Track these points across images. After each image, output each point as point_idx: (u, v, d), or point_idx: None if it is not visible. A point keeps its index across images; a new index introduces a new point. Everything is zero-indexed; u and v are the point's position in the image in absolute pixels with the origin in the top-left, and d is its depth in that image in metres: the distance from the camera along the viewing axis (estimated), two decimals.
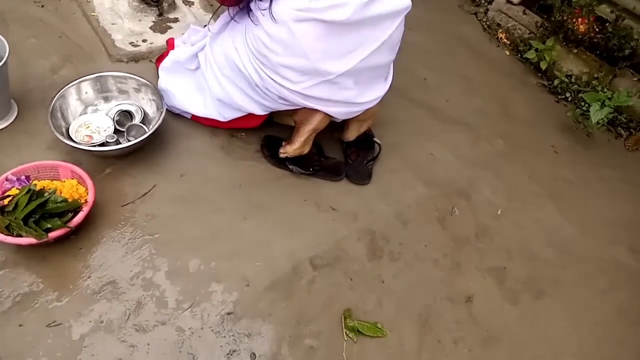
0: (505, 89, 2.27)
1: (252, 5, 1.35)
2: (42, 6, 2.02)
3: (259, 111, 1.53)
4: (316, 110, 1.48)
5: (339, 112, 1.49)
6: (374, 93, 1.51)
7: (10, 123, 1.59)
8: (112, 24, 1.96)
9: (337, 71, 1.35)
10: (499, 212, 1.73)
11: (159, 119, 1.52)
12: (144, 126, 1.57)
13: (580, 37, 2.26)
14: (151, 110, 1.65)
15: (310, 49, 1.30)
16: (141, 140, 1.47)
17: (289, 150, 1.57)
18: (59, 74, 1.78)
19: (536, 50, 2.29)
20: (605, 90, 2.15)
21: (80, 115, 1.59)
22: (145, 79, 1.64)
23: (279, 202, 1.57)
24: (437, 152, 1.86)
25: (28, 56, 1.79)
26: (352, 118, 1.62)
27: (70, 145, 1.45)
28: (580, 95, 2.22)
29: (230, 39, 1.47)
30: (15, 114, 1.62)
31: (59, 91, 1.56)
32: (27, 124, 1.60)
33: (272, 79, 1.38)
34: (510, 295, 1.52)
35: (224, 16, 1.53)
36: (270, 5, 1.29)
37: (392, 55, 1.48)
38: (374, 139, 1.77)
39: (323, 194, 1.62)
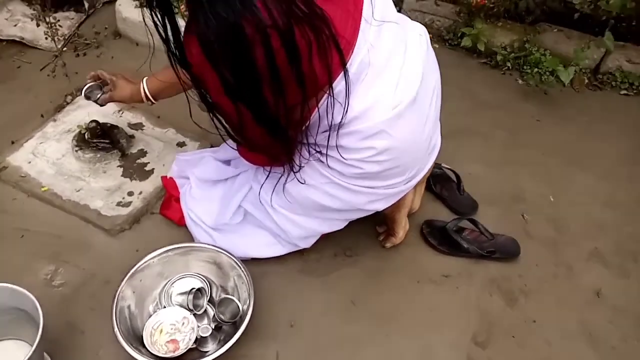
0: (461, 80, 2.34)
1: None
2: None
3: (342, 225, 1.39)
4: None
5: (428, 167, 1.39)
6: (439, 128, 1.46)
7: None
8: (77, 190, 1.58)
9: (428, 131, 1.27)
10: (551, 199, 1.81)
11: (249, 284, 1.27)
12: (233, 298, 1.29)
13: (492, 10, 2.42)
14: (211, 273, 1.38)
15: (412, 131, 1.19)
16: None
17: (395, 241, 1.49)
18: (59, 281, 1.40)
19: (467, 35, 2.40)
20: (538, 48, 2.37)
21: (147, 320, 1.26)
22: (187, 244, 1.37)
23: (398, 297, 1.45)
24: (470, 168, 1.86)
25: (7, 279, 1.35)
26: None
27: None
28: (517, 61, 2.40)
29: (294, 183, 1.25)
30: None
31: (114, 303, 1.21)
32: None
33: (374, 188, 1.23)
34: (619, 270, 1.60)
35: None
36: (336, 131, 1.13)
37: None
38: (443, 166, 1.75)
39: (424, 266, 1.53)
